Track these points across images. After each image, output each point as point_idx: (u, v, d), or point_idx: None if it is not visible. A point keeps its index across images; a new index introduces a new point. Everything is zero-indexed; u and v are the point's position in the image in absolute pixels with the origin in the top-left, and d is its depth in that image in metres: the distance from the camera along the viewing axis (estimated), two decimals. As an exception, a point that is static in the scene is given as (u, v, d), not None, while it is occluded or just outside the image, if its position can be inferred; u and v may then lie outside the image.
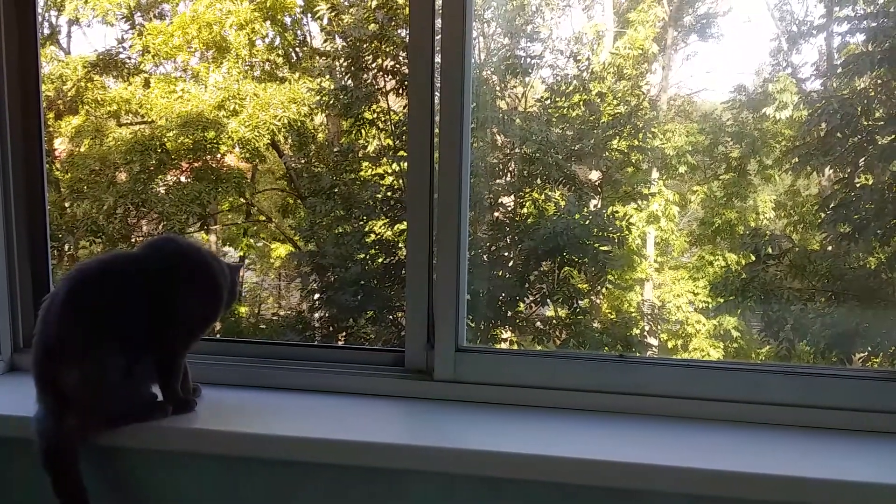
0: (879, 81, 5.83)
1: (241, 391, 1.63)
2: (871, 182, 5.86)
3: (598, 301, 7.04)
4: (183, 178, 7.45)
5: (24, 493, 1.50)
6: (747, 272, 6.14)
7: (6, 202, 1.73)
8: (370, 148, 6.92)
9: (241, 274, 1.58)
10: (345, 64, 6.98)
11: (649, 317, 6.68)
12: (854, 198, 5.77)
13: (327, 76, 7.26)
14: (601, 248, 6.05)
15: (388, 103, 6.79)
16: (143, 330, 1.39)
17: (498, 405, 1.56)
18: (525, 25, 6.98)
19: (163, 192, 7.21)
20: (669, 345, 6.69)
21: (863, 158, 5.92)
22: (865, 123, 5.87)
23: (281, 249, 8.20)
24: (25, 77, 1.75)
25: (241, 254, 8.75)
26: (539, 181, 6.34)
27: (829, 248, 6.11)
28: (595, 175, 6.72)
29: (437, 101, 1.57)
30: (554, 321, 6.34)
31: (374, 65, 6.73)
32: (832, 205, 6.01)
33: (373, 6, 6.59)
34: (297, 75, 7.49)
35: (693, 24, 7.78)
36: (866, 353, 5.60)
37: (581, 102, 6.65)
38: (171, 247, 1.48)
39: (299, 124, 7.15)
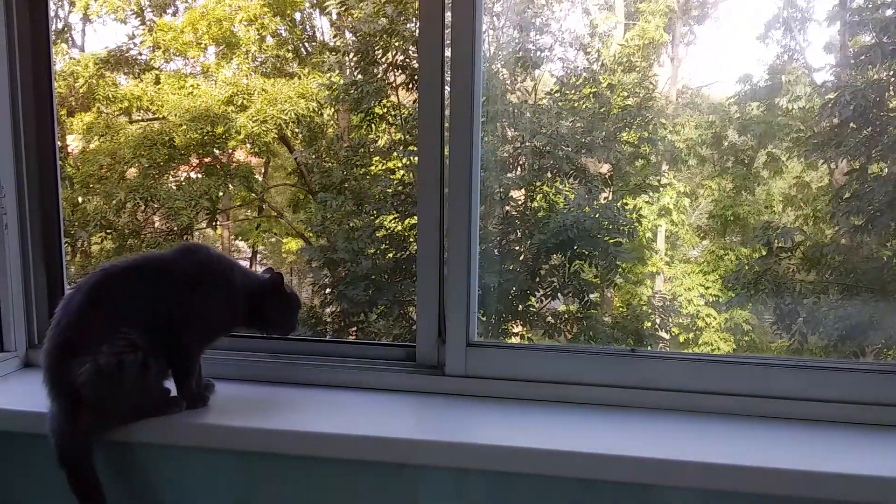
0: (893, 72, 5.77)
1: (253, 386, 1.64)
2: (884, 173, 5.81)
3: (608, 295, 7.02)
4: (193, 174, 7.49)
5: (41, 488, 1.52)
6: (759, 265, 6.11)
7: (20, 199, 1.75)
8: (380, 142, 6.92)
9: (283, 291, 1.55)
10: (354, 59, 6.98)
11: (660, 309, 6.65)
12: (867, 189, 5.73)
13: (337, 71, 7.27)
14: (612, 241, 6.02)
15: (398, 98, 6.79)
16: (161, 329, 1.41)
17: (509, 400, 1.56)
18: (534, 18, 6.95)
19: (173, 187, 7.25)
20: (681, 338, 6.67)
21: (876, 149, 5.87)
22: (879, 114, 5.82)
23: (293, 244, 8.23)
24: (38, 74, 1.76)
25: (253, 246, 8.80)
26: (549, 174, 6.32)
27: (843, 240, 6.07)
28: (605, 168, 6.70)
29: (447, 95, 1.57)
30: (565, 315, 6.33)
31: (383, 59, 6.72)
32: (845, 196, 5.97)
33: (382, 0, 6.57)
34: (307, 70, 7.50)
35: (702, 15, 7.74)
36: (880, 346, 5.56)
37: (591, 95, 6.62)
38: (198, 254, 1.50)
39: (309, 119, 7.16)
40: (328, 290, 6.74)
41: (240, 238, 8.88)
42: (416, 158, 1.63)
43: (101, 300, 1.39)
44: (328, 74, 7.29)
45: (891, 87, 5.86)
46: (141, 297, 1.42)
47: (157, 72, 7.55)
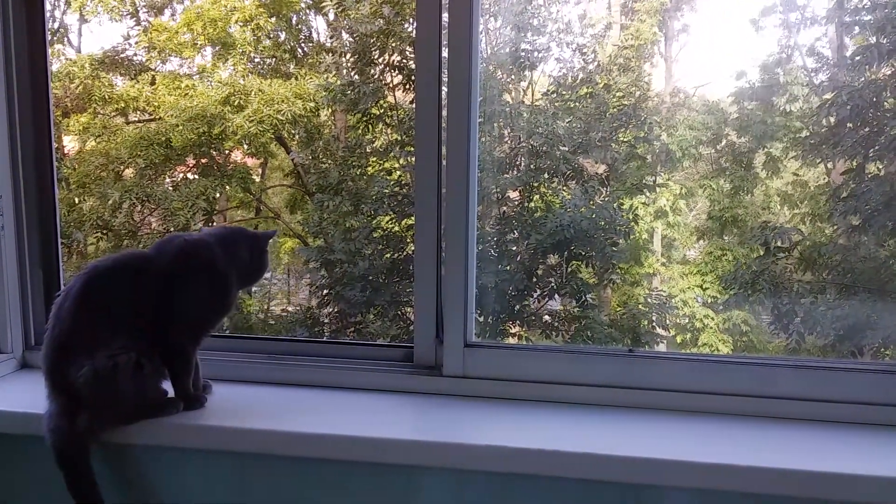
0: (890, 72, 5.79)
1: (250, 387, 1.64)
2: (882, 173, 5.82)
3: (606, 295, 7.02)
4: (190, 175, 7.49)
5: (38, 489, 1.51)
6: (757, 265, 6.12)
7: (17, 200, 1.74)
8: (377, 143, 6.92)
9: (269, 243, 1.57)
10: (351, 59, 6.98)
11: (657, 306, 6.65)
12: (864, 189, 5.74)
13: (334, 72, 7.27)
14: (608, 240, 6.03)
15: (395, 98, 6.79)
16: (154, 327, 1.40)
17: (507, 400, 1.56)
18: (531, 19, 6.95)
19: (170, 188, 7.25)
20: (678, 339, 6.68)
21: (873, 149, 5.88)
22: (876, 114, 5.84)
23: (291, 245, 8.23)
24: (35, 75, 1.75)
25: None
26: (546, 175, 6.33)
27: (840, 240, 6.08)
28: (602, 168, 6.71)
29: (444, 95, 1.57)
30: (562, 315, 6.33)
31: (380, 60, 6.72)
32: (843, 196, 5.98)
33: (379, 1, 6.58)
34: (304, 71, 7.50)
35: (696, 13, 7.78)
36: (877, 345, 5.56)
37: (587, 95, 6.63)
38: (176, 246, 1.46)
39: (306, 120, 7.16)
40: (325, 291, 6.74)
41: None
42: (414, 159, 1.63)
43: (89, 305, 1.38)
44: (325, 75, 7.29)
45: (888, 88, 5.87)
46: (126, 297, 1.41)
47: (153, 72, 7.54)
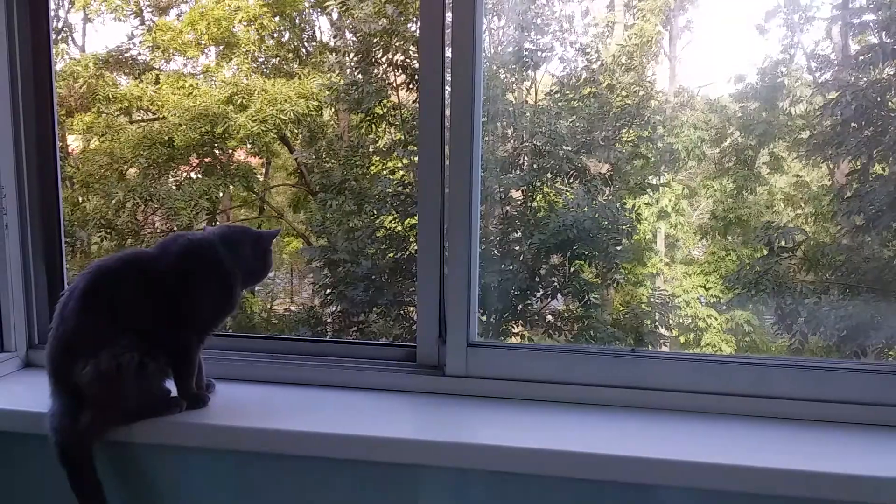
0: (894, 72, 5.77)
1: (253, 386, 1.64)
2: (886, 173, 5.81)
3: (608, 294, 7.02)
4: (193, 175, 7.50)
5: (42, 488, 1.52)
6: (760, 265, 6.10)
7: (21, 199, 1.75)
8: (380, 143, 6.92)
9: (273, 242, 1.57)
10: (355, 59, 6.98)
11: (660, 306, 6.65)
12: (868, 189, 5.72)
13: (337, 71, 7.27)
14: (611, 240, 6.03)
15: (398, 98, 6.79)
16: (157, 326, 1.41)
17: (509, 400, 1.56)
18: (535, 18, 6.95)
19: (173, 187, 7.26)
20: (681, 339, 6.67)
21: (877, 149, 5.86)
22: (880, 114, 5.82)
23: (296, 244, 8.24)
24: (39, 74, 1.76)
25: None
26: (549, 174, 6.32)
27: (844, 240, 6.06)
28: (605, 168, 6.70)
29: (447, 95, 1.57)
30: (565, 315, 6.33)
31: (384, 59, 6.72)
32: (846, 196, 5.97)
33: (383, 0, 6.58)
34: (307, 70, 7.51)
35: (700, 13, 7.76)
36: (881, 346, 5.55)
37: (591, 95, 6.63)
38: (180, 245, 1.46)
39: (309, 119, 7.17)
40: (328, 291, 6.74)
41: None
42: (417, 158, 1.63)
43: (93, 304, 1.38)
44: (328, 74, 7.29)
45: (892, 87, 5.85)
46: (130, 297, 1.41)
47: (156, 72, 7.56)
